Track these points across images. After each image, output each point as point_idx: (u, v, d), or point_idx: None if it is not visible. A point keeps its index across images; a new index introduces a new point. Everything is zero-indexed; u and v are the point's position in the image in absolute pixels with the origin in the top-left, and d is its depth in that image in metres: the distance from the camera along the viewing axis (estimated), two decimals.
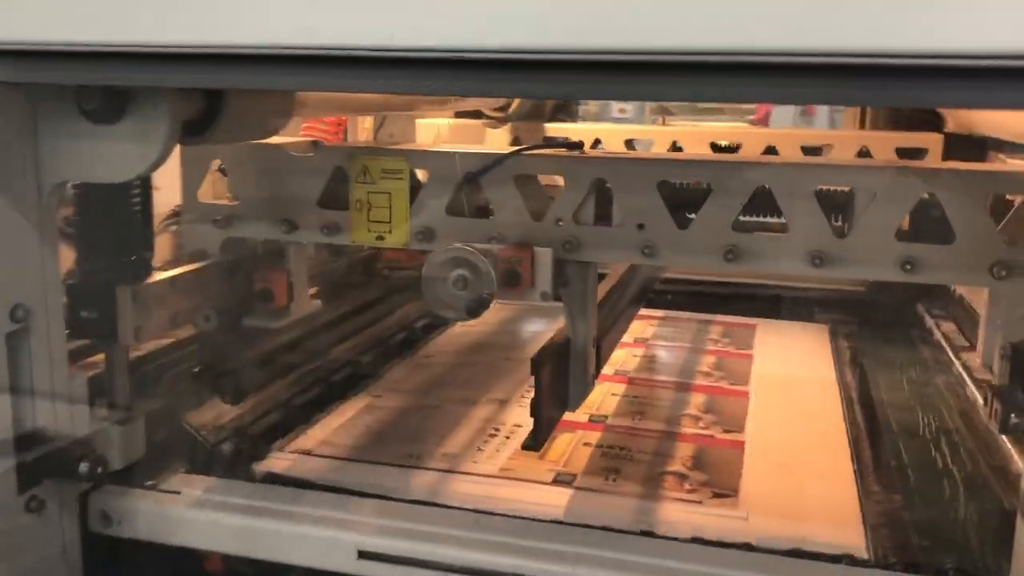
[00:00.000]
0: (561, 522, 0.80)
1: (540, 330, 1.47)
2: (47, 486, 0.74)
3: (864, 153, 1.40)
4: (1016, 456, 0.92)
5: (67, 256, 0.78)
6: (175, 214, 0.97)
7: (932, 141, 1.40)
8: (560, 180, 0.84)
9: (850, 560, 0.74)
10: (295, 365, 1.09)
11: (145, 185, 0.81)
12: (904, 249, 0.74)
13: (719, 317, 1.57)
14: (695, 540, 0.76)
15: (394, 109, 1.20)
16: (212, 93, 0.71)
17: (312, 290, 1.04)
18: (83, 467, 0.74)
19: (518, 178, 0.83)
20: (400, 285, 1.38)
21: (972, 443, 0.99)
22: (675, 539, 0.77)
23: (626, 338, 1.32)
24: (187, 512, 0.80)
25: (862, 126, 1.69)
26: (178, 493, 0.82)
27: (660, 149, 1.52)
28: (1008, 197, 0.78)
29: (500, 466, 0.94)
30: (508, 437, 1.02)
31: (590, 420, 1.07)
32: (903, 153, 1.39)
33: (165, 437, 0.88)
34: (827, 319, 1.55)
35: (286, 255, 0.98)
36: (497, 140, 1.54)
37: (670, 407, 1.13)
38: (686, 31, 0.45)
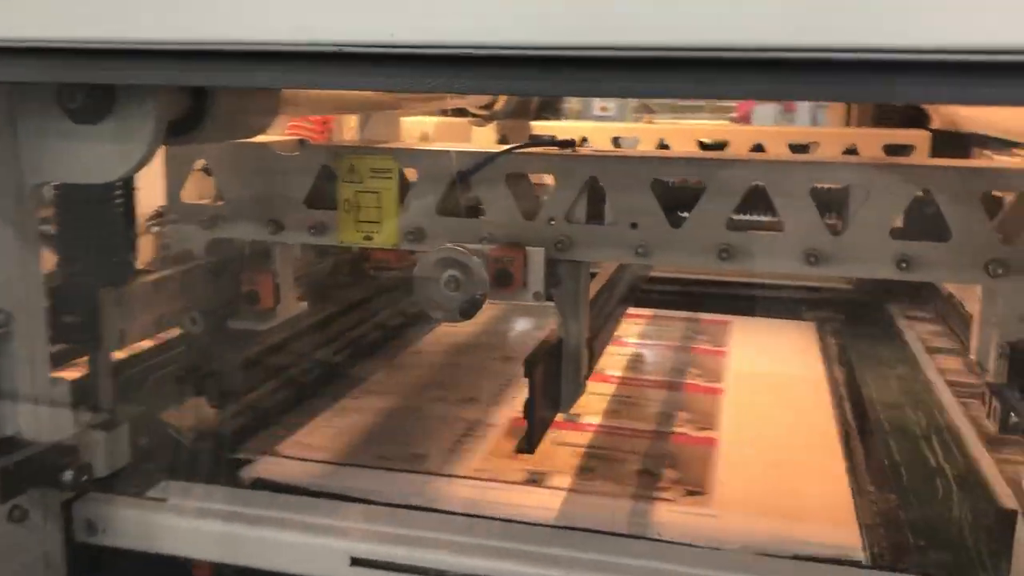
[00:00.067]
0: (557, 526, 0.79)
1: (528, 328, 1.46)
2: (30, 495, 0.72)
3: (852, 150, 1.39)
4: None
5: (48, 258, 0.76)
6: (158, 215, 0.95)
7: (920, 138, 1.40)
8: (548, 179, 0.83)
9: (837, 561, 0.74)
10: (281, 367, 1.08)
11: (127, 185, 0.79)
12: (899, 247, 0.74)
13: (701, 315, 1.56)
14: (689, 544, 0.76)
15: (379, 107, 1.19)
16: (198, 92, 0.69)
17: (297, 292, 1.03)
18: (67, 475, 0.72)
19: (509, 177, 0.82)
20: (388, 285, 1.37)
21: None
22: (667, 541, 0.76)
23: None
24: (175, 520, 0.78)
25: (848, 123, 1.70)
26: (164, 500, 0.80)
27: (646, 147, 1.52)
28: (995, 193, 0.78)
29: (474, 467, 0.92)
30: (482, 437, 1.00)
31: (565, 419, 1.05)
32: (891, 150, 1.39)
33: (150, 442, 0.86)
34: (814, 316, 1.54)
35: (272, 256, 0.96)
36: (483, 138, 1.53)
37: (647, 405, 1.12)
38: (687, 27, 0.45)
